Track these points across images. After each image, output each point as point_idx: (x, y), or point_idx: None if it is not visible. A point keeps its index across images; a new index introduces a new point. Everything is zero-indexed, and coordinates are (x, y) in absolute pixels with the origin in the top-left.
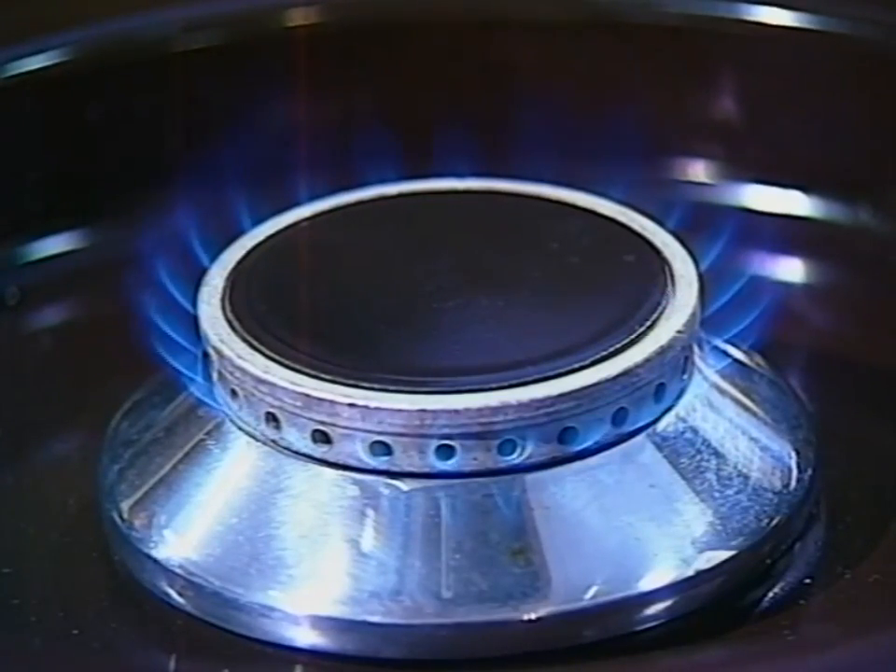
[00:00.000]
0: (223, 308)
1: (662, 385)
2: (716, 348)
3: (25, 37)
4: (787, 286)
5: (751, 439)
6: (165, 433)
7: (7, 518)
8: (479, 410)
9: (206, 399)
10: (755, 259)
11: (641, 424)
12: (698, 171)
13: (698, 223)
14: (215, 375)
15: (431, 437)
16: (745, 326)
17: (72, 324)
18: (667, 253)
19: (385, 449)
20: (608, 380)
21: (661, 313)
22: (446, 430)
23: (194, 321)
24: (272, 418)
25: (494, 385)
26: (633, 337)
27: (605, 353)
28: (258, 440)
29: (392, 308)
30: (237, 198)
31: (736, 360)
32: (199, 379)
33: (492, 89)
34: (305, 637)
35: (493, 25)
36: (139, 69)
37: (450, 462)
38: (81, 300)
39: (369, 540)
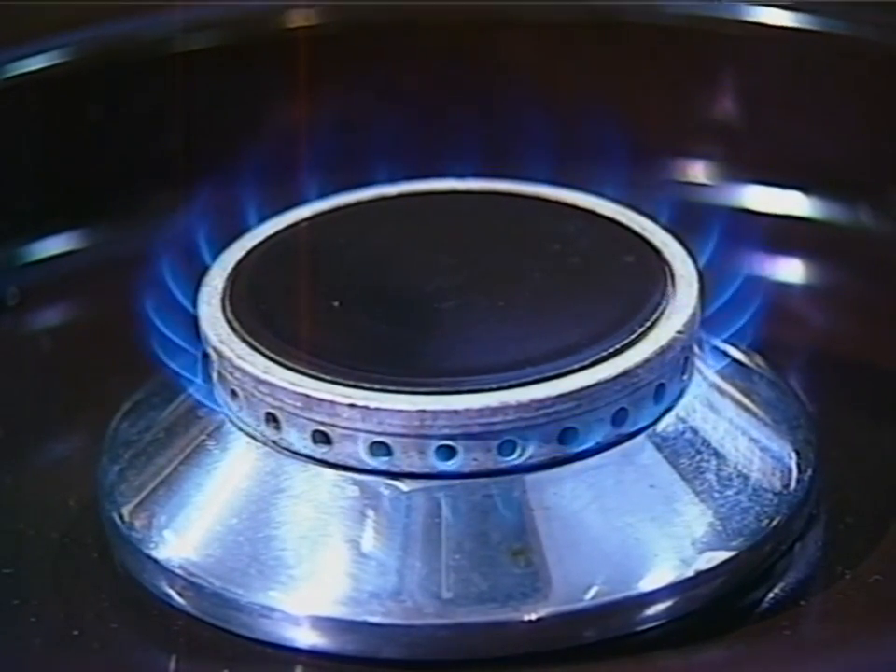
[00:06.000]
0: (223, 308)
1: (662, 385)
2: (716, 348)
3: (25, 38)
4: (787, 286)
5: (751, 439)
6: (165, 434)
7: (7, 518)
8: (479, 410)
9: (206, 400)
10: (755, 260)
11: (641, 424)
12: (698, 171)
13: (698, 223)
14: (215, 376)
15: (431, 437)
16: (744, 326)
17: (72, 324)
18: (667, 253)
19: (385, 449)
20: (607, 380)
21: (661, 313)
22: (446, 431)
23: (194, 321)
24: (272, 419)
25: (494, 386)
26: (633, 337)
27: (605, 353)
28: (258, 440)
29: (392, 308)
30: (237, 198)
31: (736, 361)
32: (199, 380)
33: (492, 89)
34: (305, 638)
35: (493, 25)
36: (139, 69)
37: (450, 462)
38: (81, 300)
39: (369, 541)
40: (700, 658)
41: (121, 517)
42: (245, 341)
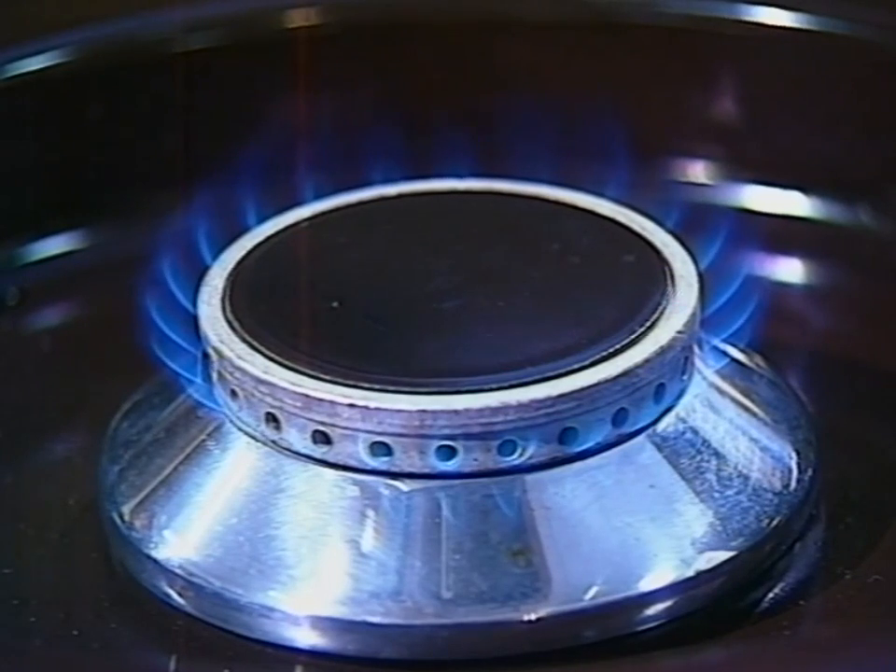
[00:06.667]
0: (223, 308)
1: (662, 385)
2: (715, 348)
3: (25, 38)
4: (786, 286)
5: (751, 439)
6: (165, 434)
7: (7, 518)
8: (479, 410)
9: (206, 400)
10: (755, 260)
11: (641, 424)
12: (698, 171)
13: (698, 223)
14: (215, 376)
15: (431, 437)
16: (744, 326)
17: (72, 324)
18: (667, 253)
19: (386, 449)
20: (608, 380)
21: (661, 313)
22: (446, 431)
23: (194, 321)
24: (272, 419)
25: (494, 386)
26: (633, 337)
27: (605, 353)
28: (258, 440)
29: (392, 308)
30: (238, 198)
31: (736, 360)
32: (199, 380)
33: (492, 89)
34: (305, 638)
35: (493, 25)
36: (139, 69)
37: (450, 462)
38: (81, 300)
39: (369, 541)
40: (700, 658)
41: (121, 517)
42: (245, 341)
